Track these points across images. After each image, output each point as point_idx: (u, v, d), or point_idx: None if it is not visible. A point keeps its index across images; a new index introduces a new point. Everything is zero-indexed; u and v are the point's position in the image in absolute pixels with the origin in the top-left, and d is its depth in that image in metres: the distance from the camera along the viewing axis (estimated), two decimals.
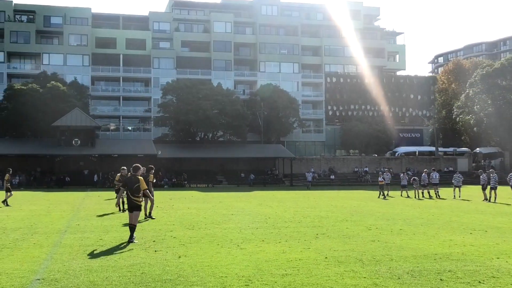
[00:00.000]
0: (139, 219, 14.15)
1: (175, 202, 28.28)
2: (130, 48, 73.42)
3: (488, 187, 29.53)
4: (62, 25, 72.11)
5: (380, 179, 35.14)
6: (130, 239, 12.47)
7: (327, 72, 76.28)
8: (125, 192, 13.38)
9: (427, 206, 25.80)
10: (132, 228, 12.62)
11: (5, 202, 25.58)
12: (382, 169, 55.71)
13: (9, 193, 26.17)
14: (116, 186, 22.78)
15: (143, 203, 17.79)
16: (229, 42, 76.21)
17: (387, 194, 34.86)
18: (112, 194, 32.21)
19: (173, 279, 8.30)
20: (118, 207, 17.64)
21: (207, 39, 76.36)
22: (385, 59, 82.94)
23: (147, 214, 18.47)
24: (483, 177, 30.49)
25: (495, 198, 28.88)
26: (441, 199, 31.36)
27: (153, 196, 16.11)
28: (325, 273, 8.74)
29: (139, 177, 12.97)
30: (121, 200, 18.89)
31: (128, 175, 15.25)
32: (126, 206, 18.05)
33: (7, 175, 27.11)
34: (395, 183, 40.16)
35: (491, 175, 30.38)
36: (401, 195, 34.72)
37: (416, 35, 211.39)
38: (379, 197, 33.11)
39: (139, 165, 13.23)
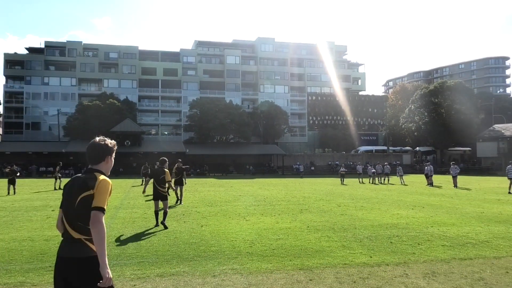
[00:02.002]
0: (169, 204, 12.48)
1: (198, 186, 28.29)
2: (166, 75, 73.41)
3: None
4: (117, 59, 72.14)
5: (341, 169, 33.79)
6: (163, 221, 10.24)
7: (308, 92, 76.17)
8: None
9: (380, 189, 25.75)
10: (165, 213, 10.36)
11: (56, 188, 25.06)
12: (362, 163, 55.36)
13: (59, 180, 25.67)
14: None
15: (178, 191, 16.30)
16: (238, 71, 76.15)
17: (361, 182, 33.75)
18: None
19: (197, 242, 8.31)
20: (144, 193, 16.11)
21: (222, 69, 76.30)
22: (350, 83, 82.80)
23: (180, 199, 16.30)
24: (428, 168, 29.90)
25: (432, 183, 28.91)
26: (390, 185, 31.26)
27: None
28: (307, 238, 8.75)
29: (165, 169, 10.71)
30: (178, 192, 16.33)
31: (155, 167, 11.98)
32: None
33: (58, 167, 26.41)
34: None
35: (426, 167, 30.37)
36: (376, 182, 33.33)
37: (373, 65, 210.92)
38: (342, 183, 31.79)
39: (166, 159, 11.05)
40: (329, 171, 60.29)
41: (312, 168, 61.25)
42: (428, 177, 29.32)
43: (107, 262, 2.86)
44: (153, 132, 70.44)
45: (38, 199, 18.19)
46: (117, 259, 6.90)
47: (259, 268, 6.28)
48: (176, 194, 16.56)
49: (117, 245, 7.99)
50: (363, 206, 15.11)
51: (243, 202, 16.89)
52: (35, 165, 53.80)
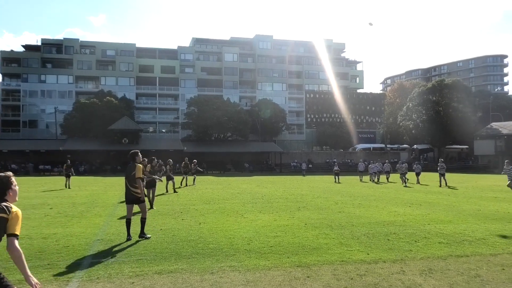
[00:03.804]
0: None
1: (196, 184, 28.25)
2: (164, 73, 73.37)
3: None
4: (114, 56, 72.01)
5: (335, 168, 32.35)
6: (141, 234, 8.50)
7: (306, 90, 76.04)
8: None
9: (378, 187, 25.80)
10: (142, 221, 8.57)
11: (67, 185, 24.52)
12: (363, 161, 55.20)
13: (68, 178, 25.20)
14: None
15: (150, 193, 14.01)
16: (236, 68, 76.14)
17: (362, 180, 32.16)
18: None
19: (195, 239, 8.33)
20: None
21: (220, 66, 76.29)
22: (348, 81, 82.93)
23: (151, 203, 13.85)
24: (416, 166, 29.49)
25: (418, 181, 28.42)
26: (390, 183, 31.04)
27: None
28: (305, 235, 8.78)
29: (138, 164, 8.50)
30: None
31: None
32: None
33: (65, 165, 26.01)
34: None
35: (414, 166, 29.98)
36: (376, 180, 31.56)
37: (371, 63, 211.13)
38: (335, 182, 30.40)
39: (137, 151, 8.69)
40: (327, 169, 60.31)
41: (310, 165, 61.29)
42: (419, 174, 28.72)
43: (29, 273, 3.27)
44: (150, 130, 70.38)
45: (36, 197, 18.18)
46: (115, 256, 6.92)
47: (257, 265, 6.31)
48: (148, 198, 13.64)
49: (115, 243, 8.01)
50: (361, 204, 15.15)
51: (241, 199, 16.90)
52: (32, 163, 53.68)
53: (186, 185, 25.62)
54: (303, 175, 45.42)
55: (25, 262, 3.29)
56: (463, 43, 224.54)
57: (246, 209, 13.57)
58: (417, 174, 29.08)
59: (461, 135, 62.81)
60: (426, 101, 64.70)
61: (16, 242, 3.29)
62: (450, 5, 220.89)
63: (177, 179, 23.79)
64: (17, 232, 3.32)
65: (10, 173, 3.58)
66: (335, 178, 31.64)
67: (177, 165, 38.61)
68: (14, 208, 3.39)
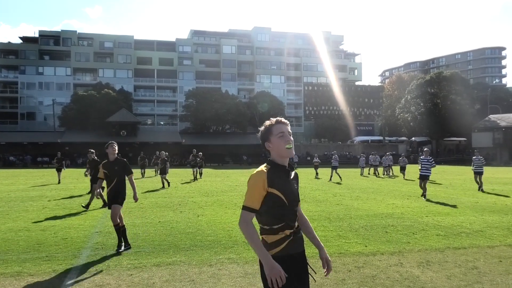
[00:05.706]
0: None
1: (202, 177, 28.19)
2: (162, 65, 73.02)
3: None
4: (112, 48, 71.61)
5: (315, 160, 29.83)
6: (126, 246, 6.83)
7: (305, 82, 75.91)
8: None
9: (376, 179, 25.81)
10: (122, 229, 6.90)
11: (59, 181, 22.34)
12: (363, 153, 54.96)
13: (59, 172, 22.72)
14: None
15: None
16: (234, 61, 75.83)
17: (368, 173, 30.57)
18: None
19: (194, 231, 8.33)
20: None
21: (218, 58, 75.96)
22: (347, 73, 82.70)
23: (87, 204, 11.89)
24: (402, 160, 27.57)
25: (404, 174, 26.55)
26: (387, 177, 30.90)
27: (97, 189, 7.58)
28: None
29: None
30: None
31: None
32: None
33: (56, 158, 23.79)
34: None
35: (399, 158, 28.12)
36: (375, 173, 29.93)
37: (370, 55, 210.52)
38: (316, 177, 27.28)
39: (111, 142, 7.11)
40: (325, 161, 60.26)
41: (308, 158, 61.34)
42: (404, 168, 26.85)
43: (268, 261, 2.40)
44: (149, 122, 70.26)
45: (34, 190, 18.16)
46: (114, 248, 6.92)
47: (255, 258, 6.30)
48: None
49: (113, 235, 8.00)
50: (359, 196, 15.16)
51: (240, 192, 16.89)
52: (30, 155, 53.61)
53: (195, 179, 24.43)
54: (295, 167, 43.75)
55: (256, 244, 2.45)
56: (462, 35, 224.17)
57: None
58: (402, 168, 26.75)
59: (459, 127, 62.87)
60: (424, 93, 64.63)
61: (246, 217, 2.54)
62: None
63: (177, 172, 23.63)
64: (247, 203, 2.54)
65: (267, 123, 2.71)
66: (316, 173, 28.57)
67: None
68: (255, 171, 2.57)
